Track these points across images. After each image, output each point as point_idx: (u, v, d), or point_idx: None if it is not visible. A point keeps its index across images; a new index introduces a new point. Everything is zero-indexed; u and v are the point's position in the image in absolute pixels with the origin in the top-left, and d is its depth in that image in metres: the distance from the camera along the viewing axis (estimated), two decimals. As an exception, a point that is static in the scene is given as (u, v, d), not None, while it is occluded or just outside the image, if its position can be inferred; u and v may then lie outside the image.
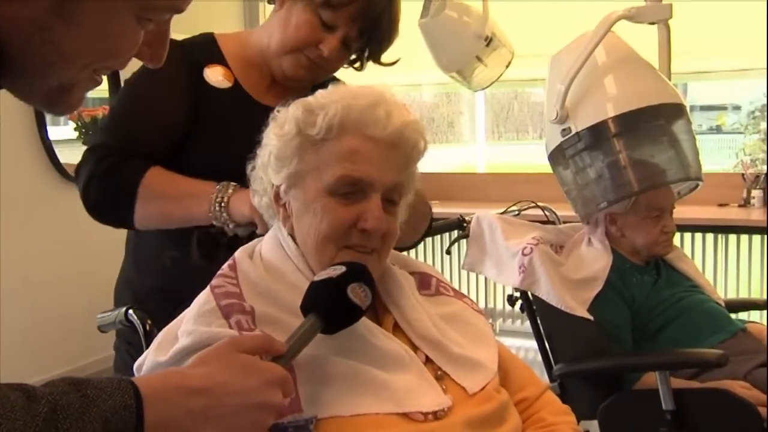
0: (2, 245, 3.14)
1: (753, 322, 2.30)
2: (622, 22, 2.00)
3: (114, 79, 3.64)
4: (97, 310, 1.39)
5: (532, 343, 2.28)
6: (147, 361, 1.00)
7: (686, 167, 2.01)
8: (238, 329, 0.99)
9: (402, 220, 1.14)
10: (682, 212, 2.49)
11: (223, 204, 1.28)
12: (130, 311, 1.28)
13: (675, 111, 2.00)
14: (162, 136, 1.39)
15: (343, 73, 1.55)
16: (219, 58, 1.47)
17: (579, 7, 2.91)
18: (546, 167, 2.18)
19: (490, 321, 4.47)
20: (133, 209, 1.33)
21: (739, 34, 3.82)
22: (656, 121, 1.98)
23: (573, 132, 1.97)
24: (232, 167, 1.23)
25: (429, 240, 4.24)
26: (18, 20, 0.63)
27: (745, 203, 3.67)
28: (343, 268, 0.98)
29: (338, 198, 1.04)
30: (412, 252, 1.54)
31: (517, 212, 2.40)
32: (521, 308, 2.23)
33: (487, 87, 2.21)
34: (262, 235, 1.19)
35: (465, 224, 2.29)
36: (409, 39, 2.06)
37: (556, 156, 2.06)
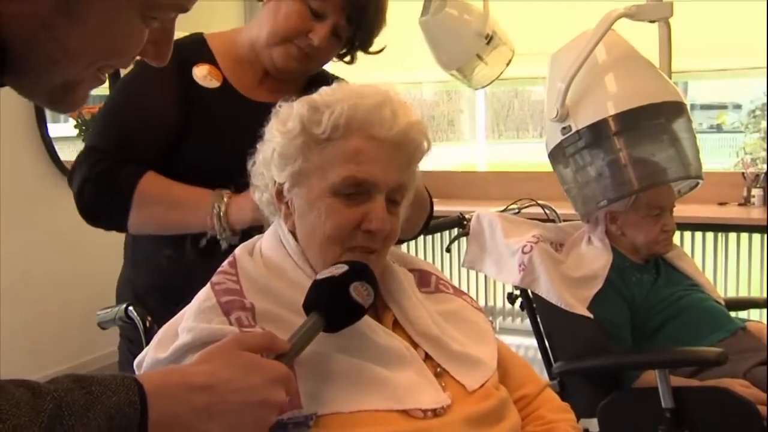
0: (2, 242, 3.15)
1: (753, 320, 2.31)
2: (623, 20, 2.00)
3: (115, 78, 3.64)
4: (97, 306, 1.39)
5: (532, 341, 2.29)
6: (147, 358, 1.01)
7: (686, 166, 2.02)
8: (238, 326, 0.98)
9: (403, 219, 1.14)
10: (682, 211, 2.49)
11: (222, 214, 1.29)
12: (130, 308, 1.28)
13: (675, 109, 2.00)
14: (155, 138, 1.40)
15: (346, 72, 1.55)
16: (207, 57, 1.47)
17: (580, 6, 2.91)
18: (546, 165, 2.18)
19: (490, 319, 4.47)
20: (127, 215, 1.35)
21: (739, 33, 3.82)
22: (657, 120, 1.98)
23: (573, 130, 1.97)
24: (225, 165, 1.23)
25: (429, 238, 4.24)
26: (23, 17, 0.63)
27: (745, 202, 3.67)
28: (346, 267, 0.97)
29: (342, 198, 1.04)
30: (412, 249, 1.54)
31: (517, 210, 2.40)
32: (521, 306, 2.24)
33: (487, 85, 2.22)
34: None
35: (465, 222, 2.29)
36: (409, 37, 2.07)
37: (556, 154, 2.06)
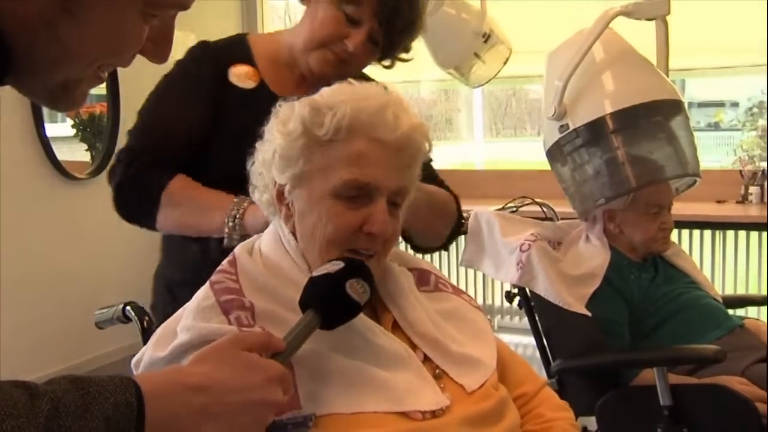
0: (0, 242, 3.14)
1: (751, 318, 2.31)
2: (620, 19, 2.00)
3: (113, 77, 3.63)
4: (95, 306, 1.39)
5: (531, 340, 2.29)
6: (145, 356, 1.00)
7: (684, 164, 2.02)
8: (237, 325, 0.98)
9: (421, 228, 1.16)
10: (680, 209, 2.49)
11: (237, 217, 1.30)
12: (128, 307, 1.29)
13: (673, 107, 2.00)
14: (188, 138, 1.41)
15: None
16: (246, 58, 1.48)
17: (577, 4, 2.91)
18: (544, 164, 2.18)
19: (489, 317, 4.47)
20: (155, 216, 1.38)
21: (736, 31, 3.82)
22: (654, 118, 1.99)
23: (571, 128, 1.97)
24: None
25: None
26: (25, 17, 0.63)
27: (743, 200, 3.67)
28: (342, 264, 0.97)
29: (344, 201, 1.03)
30: (409, 248, 1.53)
31: (515, 209, 2.40)
32: (519, 305, 2.24)
33: (485, 84, 2.22)
34: None
35: (463, 221, 2.29)
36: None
37: (553, 152, 2.06)
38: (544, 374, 2.15)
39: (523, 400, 1.17)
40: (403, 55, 1.49)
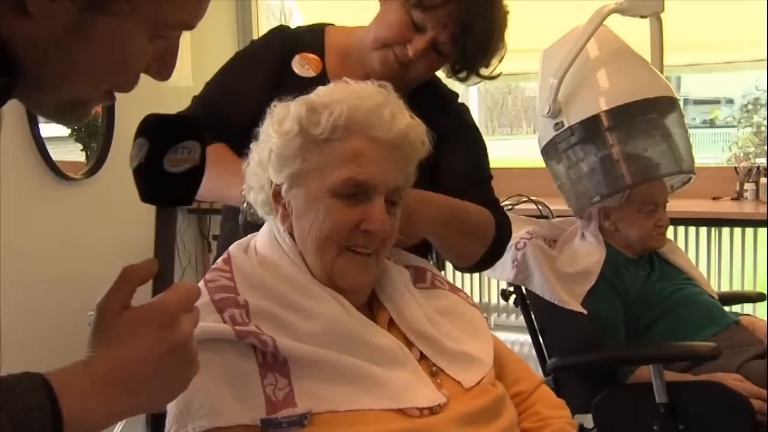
0: (-5, 243, 3.13)
1: (746, 314, 2.32)
2: (615, 16, 2.00)
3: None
4: (90, 307, 1.38)
5: (527, 338, 2.29)
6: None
7: (679, 161, 2.02)
8: (231, 323, 0.98)
9: (452, 251, 1.17)
10: (675, 205, 2.49)
11: None
12: None
13: (667, 104, 2.01)
14: (238, 116, 1.37)
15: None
16: (315, 48, 1.48)
17: (571, 2, 2.91)
18: (539, 162, 2.18)
19: (485, 315, 4.47)
20: None
21: (732, 28, 3.82)
22: (649, 115, 1.99)
23: (566, 126, 1.97)
24: None
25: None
26: (35, 37, 0.64)
27: (738, 196, 3.68)
28: (146, 144, 0.76)
29: (341, 199, 1.03)
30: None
31: (510, 207, 2.40)
32: (515, 303, 2.24)
33: (480, 82, 2.21)
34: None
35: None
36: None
37: (549, 150, 2.06)
38: (540, 372, 2.15)
39: (520, 398, 1.18)
40: (484, 72, 1.45)
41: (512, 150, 7.85)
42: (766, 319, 2.21)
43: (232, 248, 1.13)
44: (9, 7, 0.62)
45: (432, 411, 1.00)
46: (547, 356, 2.17)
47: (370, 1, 1.47)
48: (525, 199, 2.43)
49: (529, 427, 1.14)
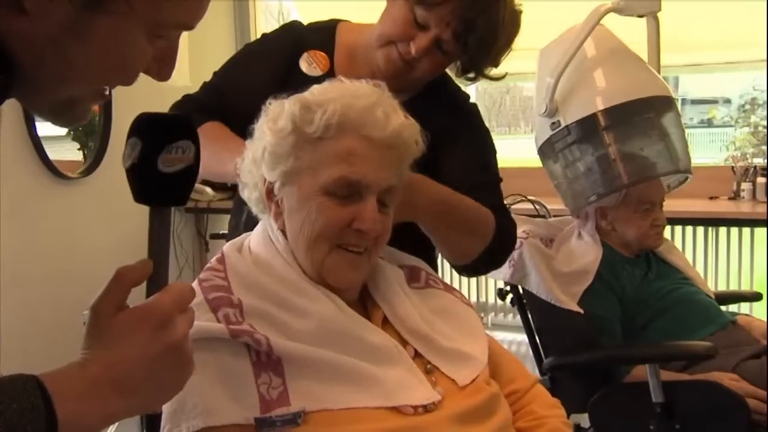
0: (-9, 242, 3.13)
1: (743, 314, 2.32)
2: (612, 15, 2.00)
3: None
4: (86, 307, 1.38)
5: (524, 337, 2.29)
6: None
7: (675, 160, 2.02)
8: (225, 322, 0.98)
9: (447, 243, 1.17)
10: (672, 205, 2.50)
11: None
12: None
13: (664, 104, 2.00)
14: (243, 107, 1.32)
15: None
16: (325, 46, 1.47)
17: (569, 1, 2.91)
18: (536, 161, 2.18)
19: (482, 315, 4.48)
20: None
21: (729, 27, 3.82)
22: (646, 114, 1.99)
23: (562, 125, 1.97)
24: None
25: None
26: (33, 36, 0.63)
27: (735, 196, 3.68)
28: (139, 144, 0.75)
29: (334, 198, 1.03)
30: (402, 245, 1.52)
31: (507, 206, 2.40)
32: (512, 302, 2.24)
33: (478, 81, 2.21)
34: None
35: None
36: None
37: (545, 150, 2.06)
38: (536, 372, 2.15)
39: (515, 397, 1.18)
40: (492, 72, 1.44)
41: (510, 149, 7.85)
42: (764, 318, 2.21)
43: (225, 247, 1.13)
44: (6, 6, 0.62)
45: (426, 409, 1.00)
46: (543, 356, 2.17)
47: (370, 0, 1.47)
48: (522, 198, 2.43)
49: (523, 426, 1.14)
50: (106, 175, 3.82)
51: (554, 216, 2.44)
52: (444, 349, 1.09)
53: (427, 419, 0.99)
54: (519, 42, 1.43)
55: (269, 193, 1.09)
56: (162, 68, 0.73)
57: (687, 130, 2.08)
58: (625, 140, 1.97)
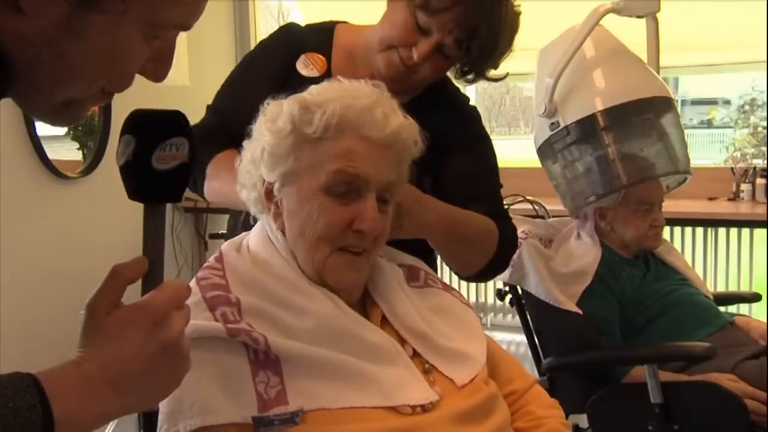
0: (-9, 242, 3.13)
1: (741, 315, 2.32)
2: (611, 16, 2.00)
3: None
4: (83, 307, 1.38)
5: (523, 338, 2.29)
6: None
7: (675, 161, 2.02)
8: (223, 321, 0.98)
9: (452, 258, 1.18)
10: (671, 206, 2.50)
11: None
12: None
13: (663, 104, 2.01)
14: (246, 119, 1.33)
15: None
16: (323, 47, 1.46)
17: (568, 1, 2.91)
18: (536, 161, 2.18)
19: (481, 315, 4.48)
20: (203, 185, 1.42)
21: (729, 28, 3.82)
22: (645, 115, 1.99)
23: (561, 126, 1.97)
24: None
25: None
26: (28, 35, 0.63)
27: (735, 197, 3.69)
28: (132, 141, 0.75)
29: (333, 197, 1.03)
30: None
31: (506, 206, 2.40)
32: (510, 302, 2.24)
33: (477, 82, 2.21)
34: None
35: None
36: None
37: (544, 150, 2.06)
38: (535, 372, 2.15)
39: (514, 398, 1.18)
40: (492, 74, 1.43)
41: (510, 150, 7.86)
42: (763, 319, 2.21)
43: (224, 246, 1.13)
44: (2, 5, 0.62)
45: (424, 409, 1.00)
46: (542, 356, 2.17)
47: (371, 0, 1.47)
48: (521, 198, 2.43)
49: (522, 427, 1.14)
50: (106, 174, 3.82)
51: (553, 216, 2.44)
52: (442, 349, 1.09)
53: (425, 419, 0.99)
54: (519, 42, 1.43)
55: (268, 193, 1.09)
56: (158, 69, 0.72)
57: (687, 131, 2.08)
58: (624, 141, 1.97)
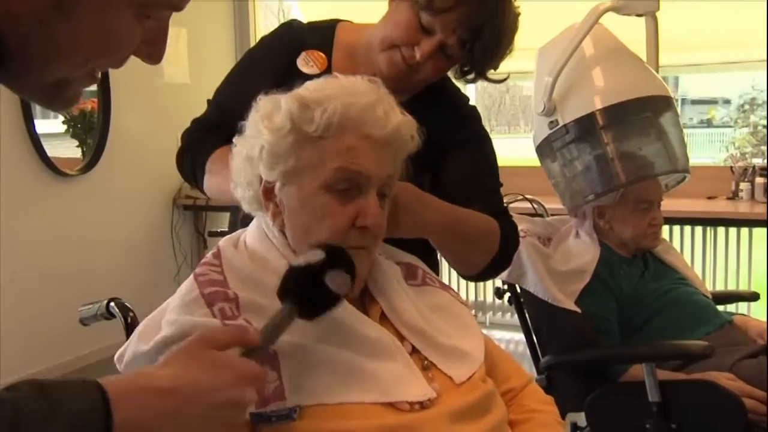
0: (-10, 239, 3.13)
1: (739, 314, 2.32)
2: (611, 14, 2.00)
3: (104, 73, 3.62)
4: (83, 303, 1.38)
5: (522, 336, 2.29)
6: (128, 350, 1.00)
7: (673, 160, 2.02)
8: (221, 317, 0.98)
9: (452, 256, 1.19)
10: (671, 205, 2.50)
11: None
12: (112, 303, 1.28)
13: (662, 103, 2.01)
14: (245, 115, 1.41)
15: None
16: (324, 45, 1.47)
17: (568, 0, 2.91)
18: (535, 160, 2.18)
19: (480, 314, 4.48)
20: (202, 181, 1.43)
21: (730, 28, 3.83)
22: (644, 114, 1.99)
23: (560, 124, 1.97)
24: None
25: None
26: (19, 14, 0.62)
27: (734, 196, 3.69)
28: (323, 254, 0.94)
29: (335, 195, 1.03)
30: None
31: (505, 205, 2.40)
32: (509, 301, 2.24)
33: (477, 82, 2.21)
34: None
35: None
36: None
37: (543, 148, 2.06)
38: (534, 371, 2.15)
39: (510, 395, 1.18)
40: (492, 75, 1.44)
41: (510, 149, 7.86)
42: (761, 318, 2.22)
43: (221, 243, 1.13)
44: None
45: (422, 405, 1.00)
46: (540, 354, 2.17)
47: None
48: (520, 197, 2.43)
49: (515, 419, 1.14)
50: (105, 172, 3.82)
51: (552, 215, 2.44)
52: (441, 346, 1.09)
53: (422, 416, 0.99)
54: (519, 41, 1.43)
55: (267, 192, 1.08)
56: (152, 50, 0.72)
57: (687, 130, 2.08)
58: (623, 139, 1.97)
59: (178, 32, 4.17)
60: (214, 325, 0.97)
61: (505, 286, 2.23)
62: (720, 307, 2.22)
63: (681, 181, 2.19)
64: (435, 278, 1.25)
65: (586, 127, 1.95)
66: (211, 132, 1.45)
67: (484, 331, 1.21)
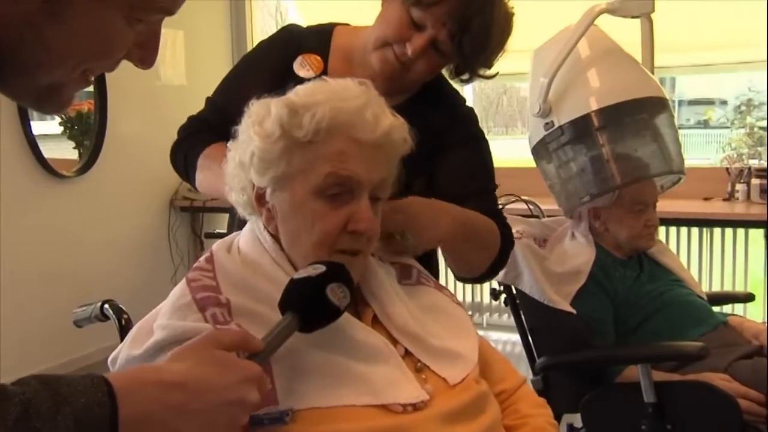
0: (-13, 241, 3.13)
1: (734, 315, 2.32)
2: (606, 16, 2.00)
3: (100, 75, 3.62)
4: (80, 304, 1.38)
5: (518, 337, 2.29)
6: (121, 354, 1.00)
7: (669, 161, 2.02)
8: (213, 322, 0.98)
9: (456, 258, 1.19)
10: (666, 206, 2.50)
11: None
12: (106, 305, 1.28)
13: (658, 105, 2.01)
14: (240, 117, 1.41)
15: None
16: (321, 49, 1.47)
17: (563, 1, 2.91)
18: (530, 161, 2.18)
19: (477, 315, 4.48)
20: (194, 177, 1.45)
21: (726, 29, 3.83)
22: (639, 115, 1.99)
23: (556, 126, 1.97)
24: None
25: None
26: (9, 18, 0.62)
27: (730, 197, 3.69)
28: (323, 268, 0.96)
29: (326, 200, 1.03)
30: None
31: (501, 206, 2.40)
32: (505, 302, 2.24)
33: (472, 82, 2.21)
34: None
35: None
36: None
37: (539, 150, 2.06)
38: (529, 372, 2.16)
39: (504, 396, 1.18)
40: (484, 72, 1.44)
41: (507, 149, 7.86)
42: (756, 319, 2.22)
43: (214, 247, 1.13)
44: None
45: (415, 407, 1.00)
46: (536, 356, 2.17)
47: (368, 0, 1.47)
48: (515, 198, 2.43)
49: (508, 425, 1.14)
50: (101, 173, 3.82)
51: (548, 216, 2.44)
52: (434, 348, 1.09)
53: (415, 418, 0.99)
54: (515, 42, 1.44)
55: (260, 198, 1.08)
56: (145, 54, 0.72)
57: (683, 131, 2.09)
58: (618, 141, 1.97)
59: (174, 34, 4.17)
60: (205, 329, 0.97)
61: (501, 288, 2.23)
62: (715, 308, 2.22)
63: (676, 183, 2.20)
64: (430, 278, 1.25)
65: (581, 129, 1.96)
66: (205, 129, 1.47)
67: (481, 332, 1.21)
